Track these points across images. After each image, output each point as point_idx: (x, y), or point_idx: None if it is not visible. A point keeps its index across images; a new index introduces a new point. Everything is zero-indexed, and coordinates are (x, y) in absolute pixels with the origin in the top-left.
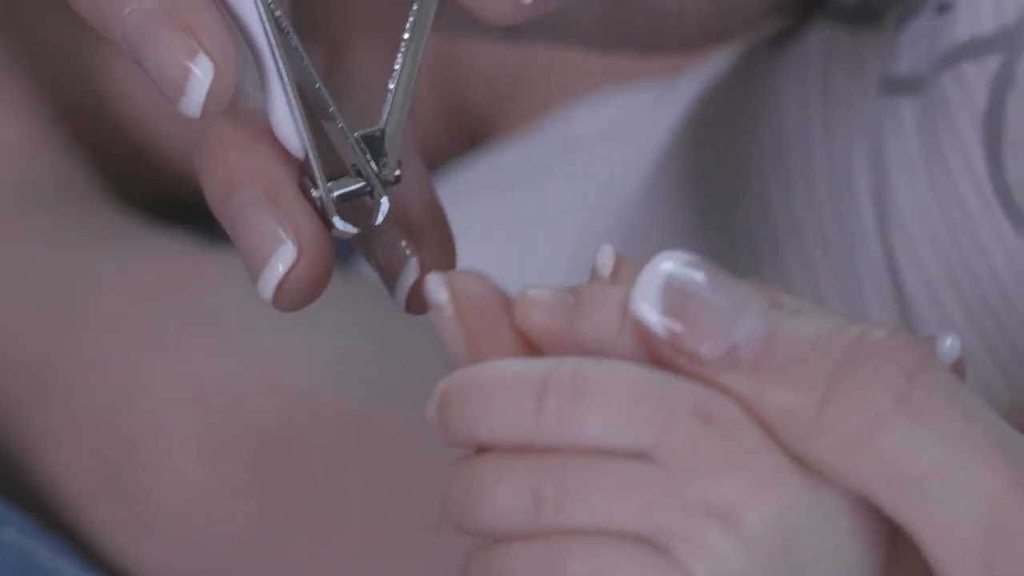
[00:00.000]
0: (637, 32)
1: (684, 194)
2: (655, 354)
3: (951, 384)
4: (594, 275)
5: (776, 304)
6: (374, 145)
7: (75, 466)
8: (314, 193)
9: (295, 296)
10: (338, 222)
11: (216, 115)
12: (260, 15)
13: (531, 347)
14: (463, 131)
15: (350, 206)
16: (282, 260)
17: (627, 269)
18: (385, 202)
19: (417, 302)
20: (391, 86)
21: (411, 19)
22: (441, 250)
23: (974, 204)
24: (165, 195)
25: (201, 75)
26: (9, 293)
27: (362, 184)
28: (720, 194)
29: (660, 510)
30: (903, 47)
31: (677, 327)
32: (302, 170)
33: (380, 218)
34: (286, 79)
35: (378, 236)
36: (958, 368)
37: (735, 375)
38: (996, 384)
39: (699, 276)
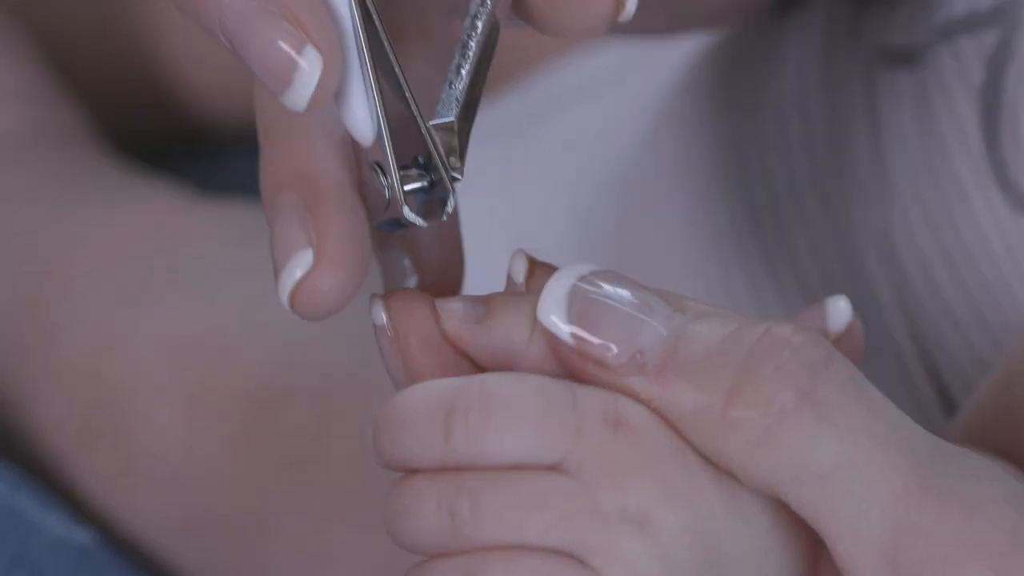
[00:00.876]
0: (693, 19)
1: (678, 159)
2: (564, 362)
3: (855, 379)
4: (509, 281)
5: (681, 309)
6: (443, 138)
7: (59, 418)
8: (383, 181)
9: (311, 303)
10: (407, 212)
11: (321, 108)
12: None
13: (472, 362)
14: None
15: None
16: (299, 264)
17: (540, 273)
18: (453, 198)
19: None
20: (463, 71)
21: (474, 13)
22: (445, 280)
23: (968, 179)
24: (163, 127)
25: (308, 68)
26: None
27: (426, 183)
28: (717, 157)
29: (574, 522)
30: (900, 18)
31: (583, 334)
32: (360, 159)
33: (447, 214)
34: (368, 63)
35: (384, 248)
36: (852, 331)
37: (642, 379)
38: (991, 360)
39: (603, 285)
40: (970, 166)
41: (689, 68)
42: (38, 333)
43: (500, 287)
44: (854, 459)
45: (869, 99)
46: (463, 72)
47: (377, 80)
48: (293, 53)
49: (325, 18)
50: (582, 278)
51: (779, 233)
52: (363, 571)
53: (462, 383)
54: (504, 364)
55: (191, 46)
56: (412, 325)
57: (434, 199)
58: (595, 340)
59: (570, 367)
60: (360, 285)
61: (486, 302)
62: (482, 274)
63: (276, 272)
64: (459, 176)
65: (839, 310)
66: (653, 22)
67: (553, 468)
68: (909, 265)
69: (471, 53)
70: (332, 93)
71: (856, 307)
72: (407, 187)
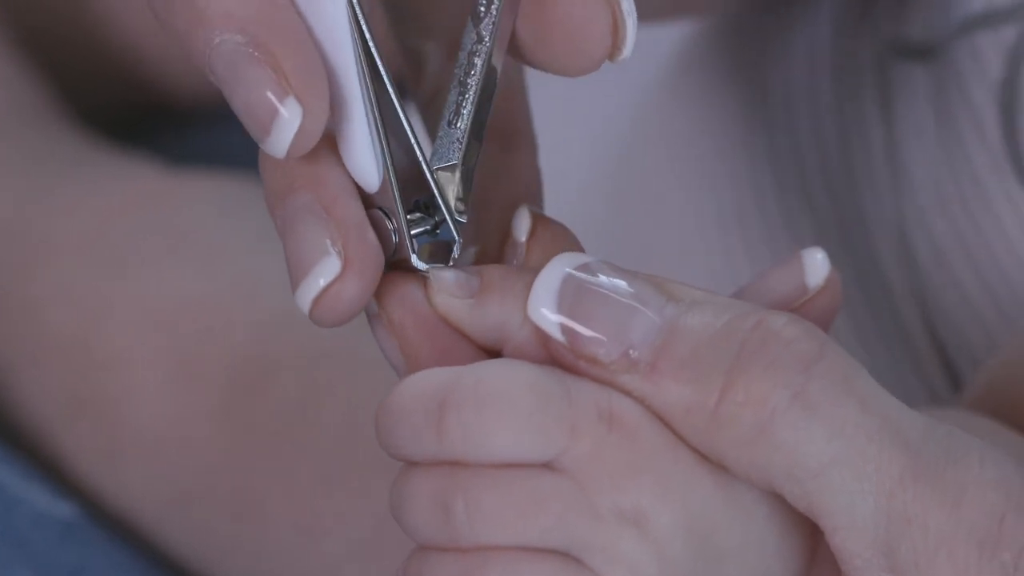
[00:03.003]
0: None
1: (683, 138)
2: (555, 357)
3: (847, 371)
4: (511, 240)
5: (674, 298)
6: (447, 182)
7: (45, 391)
8: (389, 225)
9: (333, 311)
10: (416, 260)
11: (300, 156)
12: (354, 44)
13: (473, 343)
14: None
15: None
16: (323, 273)
17: (543, 232)
18: (459, 244)
19: None
20: (463, 112)
21: (471, 50)
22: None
23: (986, 169)
24: (135, 103)
25: (288, 117)
26: None
27: (429, 226)
28: (723, 138)
29: (572, 523)
30: (916, 13)
31: (574, 328)
32: (367, 200)
33: (453, 259)
34: (376, 114)
35: None
36: (830, 285)
37: (635, 377)
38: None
39: (595, 277)
40: (988, 156)
41: (694, 47)
42: (22, 308)
43: None
44: (847, 455)
45: (881, 91)
46: (464, 112)
47: (384, 127)
48: (275, 102)
49: (312, 69)
50: (575, 268)
51: (786, 220)
52: (350, 543)
53: (455, 375)
54: (497, 341)
55: (150, 19)
56: (406, 308)
57: (438, 240)
58: (586, 333)
59: (562, 363)
60: (374, 290)
61: (480, 275)
62: None
63: (295, 278)
64: (463, 220)
65: (817, 264)
66: (655, 9)
67: (547, 465)
68: (924, 254)
69: (471, 93)
70: (313, 143)
71: (868, 300)
72: (413, 231)
